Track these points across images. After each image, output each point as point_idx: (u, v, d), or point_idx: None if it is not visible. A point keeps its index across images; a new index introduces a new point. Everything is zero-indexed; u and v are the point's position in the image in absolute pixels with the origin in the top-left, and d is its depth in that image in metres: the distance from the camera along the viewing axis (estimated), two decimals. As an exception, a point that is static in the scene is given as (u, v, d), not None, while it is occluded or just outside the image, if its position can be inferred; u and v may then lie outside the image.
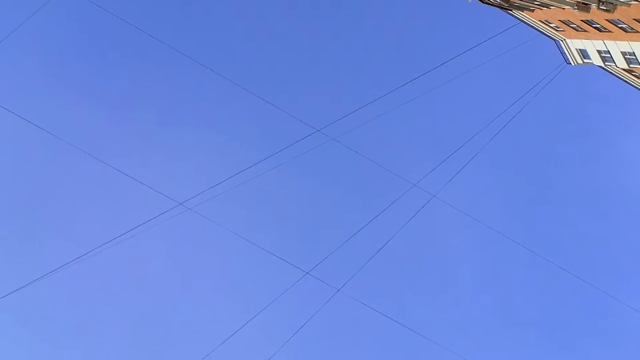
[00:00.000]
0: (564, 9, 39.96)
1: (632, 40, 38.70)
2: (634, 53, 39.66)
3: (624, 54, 40.82)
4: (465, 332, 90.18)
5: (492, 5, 46.75)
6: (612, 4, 33.37)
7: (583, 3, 36.17)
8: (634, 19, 35.36)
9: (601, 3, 33.16)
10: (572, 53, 46.74)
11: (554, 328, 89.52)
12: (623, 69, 43.29)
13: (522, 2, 43.40)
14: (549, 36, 47.77)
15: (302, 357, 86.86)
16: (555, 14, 42.38)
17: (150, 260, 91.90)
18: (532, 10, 44.77)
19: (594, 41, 43.06)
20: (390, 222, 49.86)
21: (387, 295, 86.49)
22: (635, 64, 40.68)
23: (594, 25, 40.31)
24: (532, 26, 48.32)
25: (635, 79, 44.20)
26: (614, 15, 35.66)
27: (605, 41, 41.63)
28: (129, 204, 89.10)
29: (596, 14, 36.95)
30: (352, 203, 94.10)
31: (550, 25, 45.58)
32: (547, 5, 41.33)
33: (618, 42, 40.25)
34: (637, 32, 36.93)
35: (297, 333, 46.36)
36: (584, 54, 45.73)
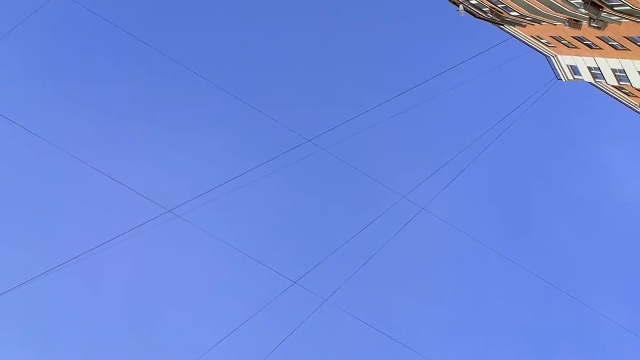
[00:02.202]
0: (555, 25, 40.20)
1: (622, 58, 38.94)
2: (624, 70, 39.90)
3: (614, 71, 41.06)
4: (451, 344, 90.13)
5: (484, 20, 47.01)
6: (603, 21, 33.56)
7: (574, 20, 36.40)
8: (625, 37, 35.59)
9: (592, 20, 33.34)
10: (562, 69, 46.99)
11: (543, 341, 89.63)
12: (613, 86, 43.55)
13: (514, 18, 43.64)
14: (540, 52, 48.03)
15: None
16: (546, 30, 42.63)
17: (138, 267, 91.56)
18: (524, 26, 45.03)
19: (584, 58, 43.32)
20: (378, 233, 49.90)
21: (374, 306, 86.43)
22: (625, 81, 40.93)
23: (584, 42, 40.56)
24: (523, 41, 48.59)
25: (625, 96, 44.48)
26: (605, 33, 35.89)
27: (595, 58, 41.89)
28: (118, 209, 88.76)
29: (587, 31, 37.18)
30: (342, 213, 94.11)
31: (542, 41, 45.84)
32: (538, 21, 41.57)
33: (608, 59, 40.50)
34: (628, 49, 37.17)
35: (283, 343, 46.20)
36: (574, 70, 45.99)
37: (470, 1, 45.69)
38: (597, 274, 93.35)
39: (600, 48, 39.70)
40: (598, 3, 32.01)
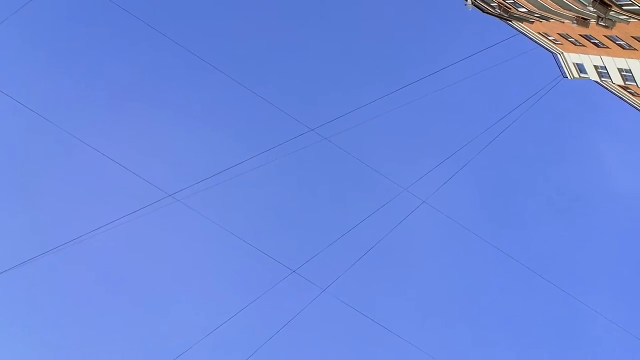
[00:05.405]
0: (563, 22, 40.09)
1: (629, 57, 38.84)
2: (630, 70, 39.81)
3: (620, 70, 40.97)
4: (447, 337, 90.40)
5: (492, 15, 46.87)
6: (611, 20, 33.44)
7: (582, 18, 36.28)
8: (632, 37, 35.49)
9: (600, 19, 33.22)
10: (569, 67, 46.88)
11: (540, 336, 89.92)
12: (619, 85, 43.46)
13: (522, 14, 43.51)
14: (547, 49, 47.92)
15: (284, 356, 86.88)
16: (554, 27, 42.51)
17: (137, 251, 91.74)
18: (532, 22, 44.90)
19: (591, 56, 43.21)
20: (379, 225, 49.94)
21: (372, 298, 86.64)
22: (631, 80, 40.84)
23: (592, 41, 40.45)
24: (530, 38, 48.46)
25: (630, 96, 44.39)
26: (613, 32, 35.79)
27: (602, 57, 41.78)
28: (119, 192, 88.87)
29: (595, 30, 37.07)
30: (342, 204, 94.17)
31: (549, 38, 45.72)
32: (546, 18, 41.45)
33: (615, 58, 40.40)
34: (635, 49, 37.07)
35: (281, 331, 46.33)
36: (580, 68, 45.87)
37: (479, -4, 45.56)
38: (600, 272, 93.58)
39: (608, 47, 39.59)
40: (607, 2, 31.89)
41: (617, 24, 34.09)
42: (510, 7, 43.54)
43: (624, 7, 31.63)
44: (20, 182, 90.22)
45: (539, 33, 46.47)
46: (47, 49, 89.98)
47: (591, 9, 32.69)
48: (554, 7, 36.89)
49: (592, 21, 35.37)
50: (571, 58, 45.93)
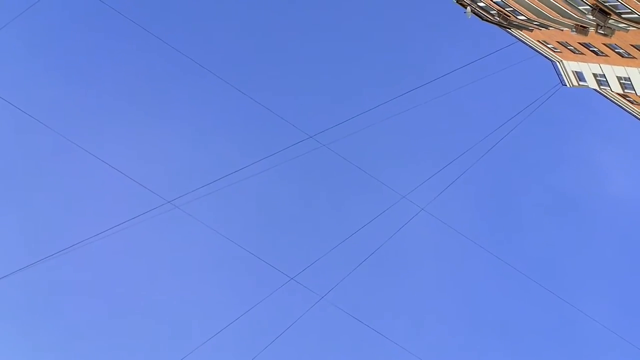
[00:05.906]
0: (562, 30, 40.14)
1: (628, 66, 38.88)
2: (629, 78, 39.84)
3: (619, 78, 41.01)
4: (445, 344, 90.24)
5: (491, 22, 46.94)
6: (610, 28, 33.48)
7: (581, 26, 36.33)
8: (631, 45, 35.53)
9: (599, 27, 33.26)
10: (568, 75, 46.93)
11: (540, 343, 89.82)
12: (617, 94, 43.50)
13: (521, 22, 43.57)
14: (546, 56, 47.98)
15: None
16: (553, 35, 42.57)
17: (135, 257, 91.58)
18: (531, 30, 44.96)
19: (590, 64, 43.26)
20: (378, 232, 49.89)
21: (370, 305, 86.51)
22: (629, 89, 40.88)
23: (591, 49, 40.50)
24: (530, 46, 48.53)
25: (629, 104, 44.43)
26: (612, 40, 35.83)
27: (601, 65, 41.83)
28: (117, 199, 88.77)
29: (594, 38, 37.12)
30: (341, 211, 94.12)
31: (548, 45, 45.78)
32: (545, 26, 41.51)
33: (614, 66, 40.44)
34: (634, 57, 37.11)
35: (278, 339, 46.21)
36: (579, 76, 45.92)
37: (478, 4, 45.61)
38: (598, 279, 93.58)
39: (607, 55, 39.64)
40: (606, 10, 31.93)
41: (616, 32, 34.12)
42: (510, 14, 43.59)
43: (623, 16, 31.67)
44: (19, 188, 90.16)
45: (538, 41, 46.53)
46: (44, 54, 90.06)
47: (590, 17, 32.73)
48: (553, 15, 36.94)
49: (591, 29, 35.40)
50: (570, 66, 45.98)
